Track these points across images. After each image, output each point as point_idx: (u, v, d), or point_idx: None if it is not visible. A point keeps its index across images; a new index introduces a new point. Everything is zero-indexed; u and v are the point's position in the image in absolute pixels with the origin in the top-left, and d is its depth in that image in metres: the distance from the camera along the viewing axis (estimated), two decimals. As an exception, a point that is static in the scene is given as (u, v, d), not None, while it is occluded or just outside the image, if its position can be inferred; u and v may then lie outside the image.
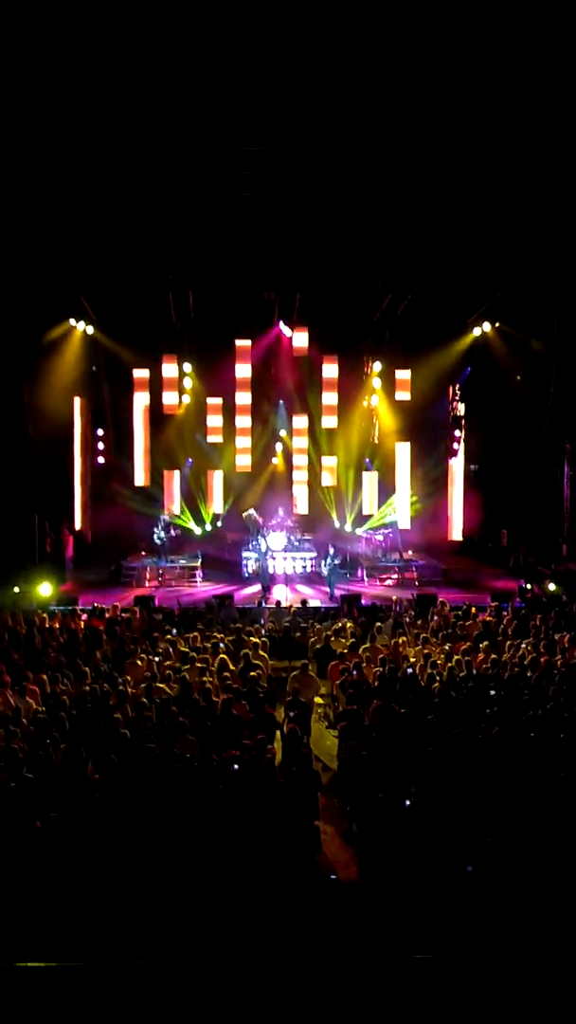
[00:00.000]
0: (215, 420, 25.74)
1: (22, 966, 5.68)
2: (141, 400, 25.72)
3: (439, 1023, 5.11)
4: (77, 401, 25.21)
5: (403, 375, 25.71)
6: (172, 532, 24.52)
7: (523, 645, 14.99)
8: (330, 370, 25.53)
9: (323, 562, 22.99)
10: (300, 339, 25.25)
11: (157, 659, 14.12)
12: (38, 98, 15.21)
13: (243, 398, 25.54)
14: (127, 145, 16.82)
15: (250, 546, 24.31)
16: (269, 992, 5.32)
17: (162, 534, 23.98)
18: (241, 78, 14.98)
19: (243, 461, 25.88)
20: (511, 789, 8.97)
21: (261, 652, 14.69)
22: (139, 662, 13.98)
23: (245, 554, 24.19)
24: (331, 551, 22.61)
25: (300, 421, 25.96)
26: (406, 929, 7.00)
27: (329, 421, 25.82)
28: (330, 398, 25.63)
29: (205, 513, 26.17)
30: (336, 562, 22.42)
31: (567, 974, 5.60)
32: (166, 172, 17.85)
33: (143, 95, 15.35)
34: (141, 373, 25.51)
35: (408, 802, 8.79)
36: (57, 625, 16.62)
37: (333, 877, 8.59)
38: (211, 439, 25.90)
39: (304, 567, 24.16)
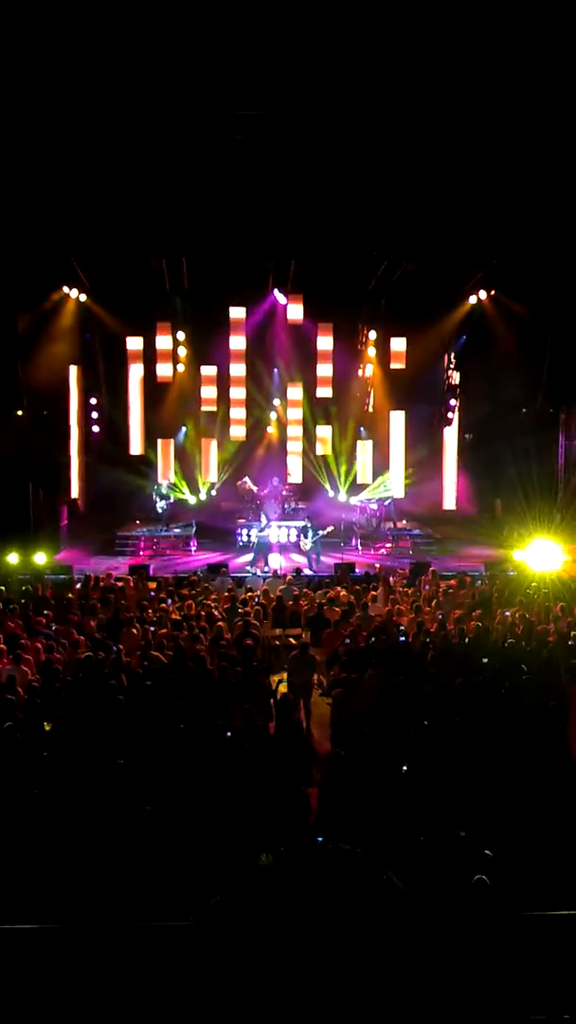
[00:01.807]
0: (209, 389, 25.66)
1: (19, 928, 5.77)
2: (135, 369, 25.61)
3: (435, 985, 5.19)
4: (73, 370, 25.11)
5: (398, 343, 25.60)
6: (171, 500, 24.60)
7: (514, 613, 15.10)
8: (325, 339, 25.42)
9: (302, 536, 22.69)
10: (295, 308, 25.10)
11: (152, 628, 14.19)
12: (29, 65, 15.00)
13: (237, 367, 25.44)
14: (120, 110, 16.60)
15: (249, 518, 24.35)
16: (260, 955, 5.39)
17: (163, 502, 24.09)
18: (236, 41, 14.76)
19: (237, 430, 25.83)
20: (505, 758, 9.07)
21: (255, 620, 14.76)
22: (134, 631, 14.05)
23: (244, 526, 24.21)
24: (307, 523, 22.48)
25: (295, 390, 25.88)
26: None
27: (324, 390, 25.75)
28: (325, 367, 25.54)
29: (201, 483, 26.17)
30: (321, 534, 22.31)
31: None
32: (160, 138, 17.64)
33: (137, 60, 15.13)
34: (135, 341, 25.37)
35: (404, 768, 8.88)
36: (51, 593, 16.67)
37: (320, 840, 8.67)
38: (205, 408, 25.82)
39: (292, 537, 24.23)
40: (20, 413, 22.48)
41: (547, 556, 18.97)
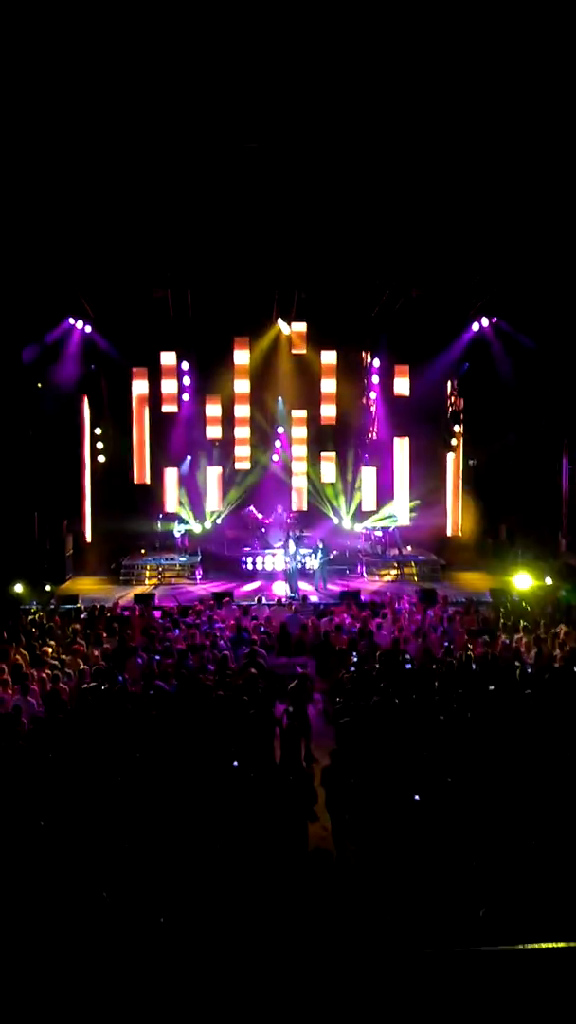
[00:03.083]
0: (214, 418, 25.79)
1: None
2: (140, 398, 25.77)
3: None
4: (85, 400, 25.34)
5: (401, 371, 25.74)
6: (182, 525, 24.76)
7: (521, 638, 15.06)
8: (328, 366, 25.57)
9: (313, 555, 23.06)
10: (299, 336, 25.26)
11: (157, 657, 14.18)
12: (37, 95, 15.21)
13: (242, 397, 25.59)
14: (125, 142, 16.82)
15: (254, 547, 24.44)
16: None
17: (180, 526, 24.28)
18: (240, 74, 14.96)
19: (242, 459, 25.93)
20: (513, 783, 9.02)
21: (260, 649, 14.73)
22: (139, 660, 14.03)
23: (250, 554, 24.25)
24: (320, 546, 22.75)
25: (299, 418, 25.99)
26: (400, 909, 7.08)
27: (327, 417, 25.86)
28: (328, 395, 25.67)
29: (208, 513, 26.20)
30: (329, 557, 22.48)
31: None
32: (164, 169, 17.84)
33: (142, 92, 15.34)
34: (140, 372, 25.57)
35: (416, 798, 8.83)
36: (57, 622, 16.68)
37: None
38: (210, 437, 25.94)
39: (302, 563, 24.18)
40: (26, 443, 22.62)
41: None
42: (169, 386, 25.49)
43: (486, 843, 7.94)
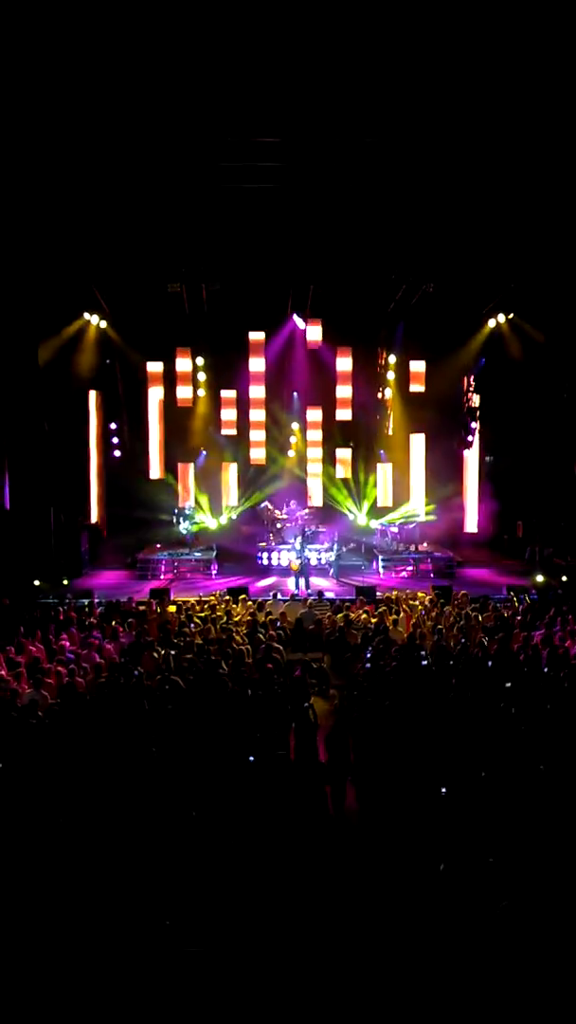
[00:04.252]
0: (229, 413, 25.80)
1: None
2: (155, 393, 25.81)
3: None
4: (92, 395, 25.35)
5: (417, 366, 25.64)
6: (194, 521, 24.73)
7: (536, 636, 14.97)
8: (344, 362, 25.51)
9: (329, 548, 23.14)
10: (314, 331, 25.21)
11: (173, 652, 14.17)
12: (50, 93, 15.25)
13: (257, 392, 25.57)
14: (140, 139, 16.83)
15: (270, 542, 24.43)
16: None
17: (187, 523, 24.25)
18: (254, 68, 14.94)
19: (257, 454, 25.92)
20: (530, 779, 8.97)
21: (277, 644, 14.71)
22: (155, 655, 14.03)
23: (266, 550, 24.25)
24: (336, 537, 22.90)
25: (314, 413, 25.94)
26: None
27: (343, 413, 25.81)
28: (344, 390, 25.61)
29: (225, 507, 26.20)
30: (344, 550, 22.50)
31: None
32: (179, 165, 17.85)
33: (156, 88, 15.35)
34: (155, 366, 25.59)
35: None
36: (73, 617, 16.71)
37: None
38: (225, 432, 25.95)
39: (318, 559, 24.16)
40: (41, 439, 22.69)
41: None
42: (184, 380, 25.50)
43: (504, 840, 7.91)
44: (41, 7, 13.54)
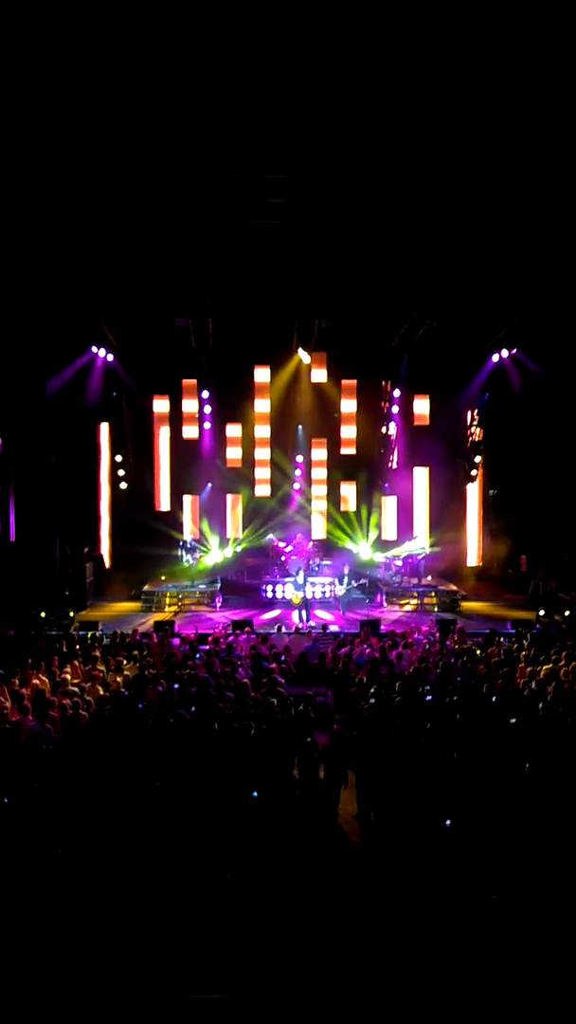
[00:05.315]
0: (234, 447, 25.97)
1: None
2: (161, 426, 26.01)
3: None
4: (104, 427, 25.58)
5: (421, 401, 25.83)
6: (196, 554, 24.77)
7: (541, 670, 14.92)
8: (348, 396, 25.70)
9: (339, 582, 23.11)
10: (319, 366, 25.42)
11: (177, 685, 14.15)
12: (59, 127, 15.47)
13: (262, 426, 25.76)
14: (148, 173, 17.06)
15: (275, 575, 24.44)
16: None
17: (189, 556, 24.29)
18: (262, 104, 15.16)
19: (262, 487, 26.05)
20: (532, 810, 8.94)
21: (280, 678, 14.67)
22: (159, 687, 14.01)
23: (270, 582, 24.26)
24: (346, 571, 22.85)
25: (319, 446, 26.10)
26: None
27: (347, 448, 25.96)
28: (348, 424, 25.79)
29: (232, 539, 26.26)
30: (353, 584, 22.53)
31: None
32: (186, 200, 18.08)
33: (164, 122, 15.56)
34: (161, 400, 25.83)
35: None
36: (78, 649, 16.71)
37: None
38: (230, 466, 26.10)
39: (323, 592, 24.15)
40: (48, 470, 22.82)
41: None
42: (190, 414, 25.70)
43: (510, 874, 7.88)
44: (53, 43, 13.75)
